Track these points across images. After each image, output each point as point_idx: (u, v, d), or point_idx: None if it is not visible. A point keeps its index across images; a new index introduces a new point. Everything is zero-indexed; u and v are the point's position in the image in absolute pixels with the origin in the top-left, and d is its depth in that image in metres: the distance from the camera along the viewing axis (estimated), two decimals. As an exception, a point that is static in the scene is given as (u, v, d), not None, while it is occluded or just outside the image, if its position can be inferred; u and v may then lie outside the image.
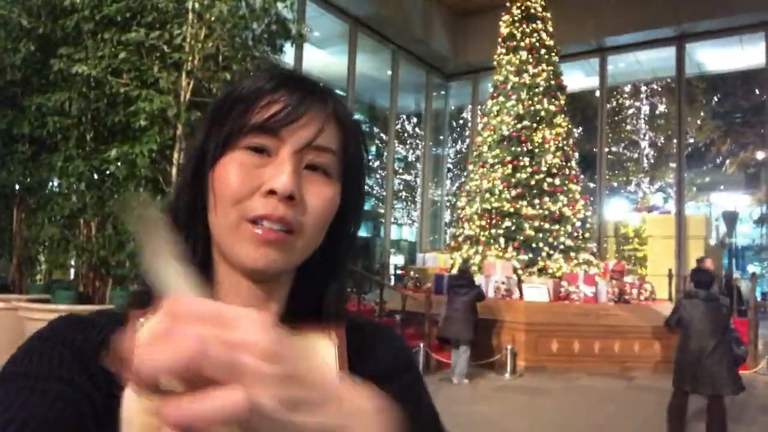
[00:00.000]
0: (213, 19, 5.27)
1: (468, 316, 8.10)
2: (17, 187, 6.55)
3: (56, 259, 6.30)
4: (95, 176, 5.71)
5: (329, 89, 0.70)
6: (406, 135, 23.94)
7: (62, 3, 5.57)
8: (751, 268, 24.20)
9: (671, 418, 5.52)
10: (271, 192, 0.61)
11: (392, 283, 14.87)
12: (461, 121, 23.92)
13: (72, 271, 6.68)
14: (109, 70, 5.29)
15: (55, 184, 6.30)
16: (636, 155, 24.91)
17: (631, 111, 24.78)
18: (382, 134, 20.16)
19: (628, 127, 24.73)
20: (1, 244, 6.72)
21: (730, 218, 20.75)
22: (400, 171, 24.47)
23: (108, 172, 5.54)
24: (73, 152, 5.61)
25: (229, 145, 0.64)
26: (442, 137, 20.13)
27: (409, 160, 24.47)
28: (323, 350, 0.63)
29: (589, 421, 6.11)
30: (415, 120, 22.92)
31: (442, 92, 19.12)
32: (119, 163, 5.18)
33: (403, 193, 24.98)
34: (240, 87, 0.67)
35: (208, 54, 5.34)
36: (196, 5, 5.21)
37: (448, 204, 20.10)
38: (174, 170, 5.33)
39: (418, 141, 22.08)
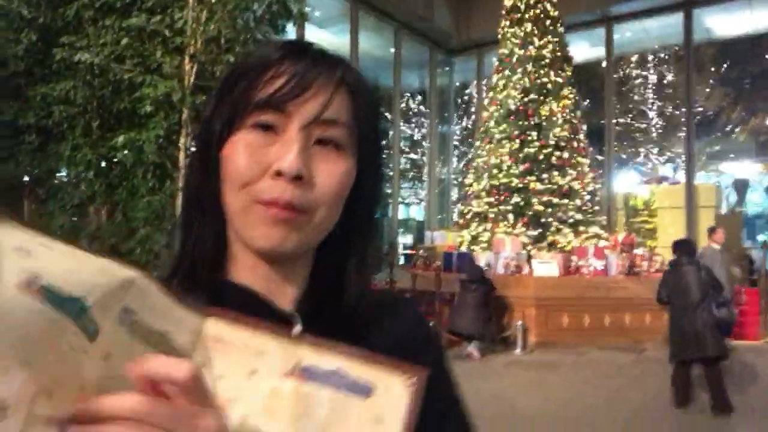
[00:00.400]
0: (214, 1, 5.23)
1: (478, 311, 8.14)
2: (26, 178, 6.60)
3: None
4: (103, 164, 5.74)
5: (338, 56, 0.67)
6: (411, 113, 23.80)
7: (62, -9, 5.54)
8: (762, 237, 24.06)
9: (676, 390, 5.60)
10: (279, 173, 0.59)
11: (401, 262, 14.92)
12: (466, 98, 23.71)
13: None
14: (112, 57, 5.28)
15: (63, 173, 6.33)
16: (644, 126, 24.66)
17: (638, 81, 24.47)
18: (386, 113, 20.07)
19: (636, 98, 24.44)
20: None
21: (741, 187, 20.58)
22: (407, 150, 24.37)
23: (116, 159, 5.56)
24: (80, 141, 5.63)
25: (236, 123, 0.62)
26: (447, 114, 20.01)
27: (415, 138, 24.36)
28: (392, 396, 0.54)
29: (600, 394, 6.14)
30: (420, 98, 22.75)
31: (447, 68, 18.94)
32: (126, 150, 5.19)
33: (410, 173, 24.92)
34: (246, 59, 0.66)
35: (210, 37, 5.32)
36: (196, -12, 5.17)
37: (455, 182, 20.05)
38: (181, 155, 5.34)
39: (423, 119, 21.97)
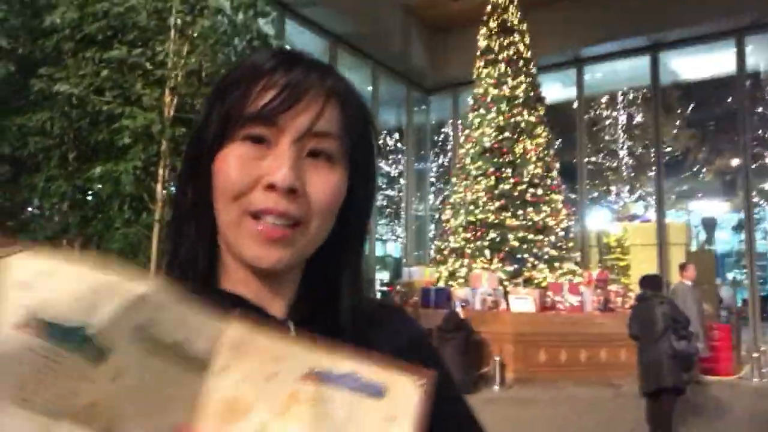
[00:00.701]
0: (195, 35, 5.28)
1: (458, 360, 8.10)
2: (-3, 209, 6.46)
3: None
4: (78, 196, 5.65)
5: (330, 67, 0.67)
6: (388, 150, 24.07)
7: (42, 24, 5.53)
8: (731, 275, 24.56)
9: (653, 427, 5.67)
10: (271, 186, 0.59)
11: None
12: (443, 136, 24.10)
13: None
14: (91, 89, 5.26)
15: (36, 205, 6.22)
16: (615, 165, 25.27)
17: (608, 121, 25.18)
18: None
19: (607, 137, 25.11)
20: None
21: (709, 225, 21.09)
22: (384, 186, 24.53)
23: (91, 191, 5.48)
24: (55, 172, 5.55)
25: (227, 135, 0.62)
26: (424, 152, 20.24)
27: (392, 175, 24.57)
28: (404, 396, 0.56)
29: (579, 430, 6.12)
30: (397, 135, 23.04)
31: (423, 107, 19.27)
32: (103, 182, 5.13)
33: (387, 209, 25.03)
34: (239, 66, 0.65)
35: (191, 70, 5.34)
36: (179, 21, 5.21)
37: (432, 219, 20.16)
38: (159, 187, 5.29)
39: (400, 156, 22.19)
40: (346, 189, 0.66)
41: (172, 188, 5.74)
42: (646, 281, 6.13)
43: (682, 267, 9.12)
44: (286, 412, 0.52)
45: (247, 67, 0.64)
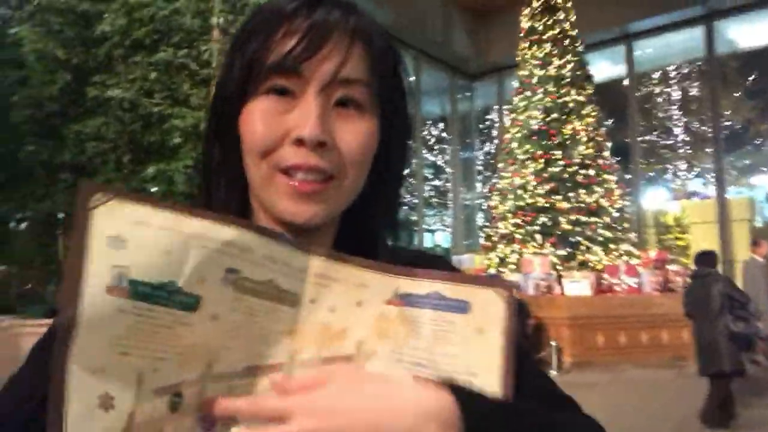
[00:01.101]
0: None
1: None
2: (61, 215, 6.79)
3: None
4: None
5: (352, 4, 0.62)
6: (433, 140, 23.94)
7: (94, 33, 5.78)
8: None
9: (712, 408, 5.49)
10: (300, 141, 0.56)
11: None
12: (488, 122, 23.79)
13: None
14: (141, 92, 5.47)
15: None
16: (670, 142, 24.35)
17: (662, 97, 24.27)
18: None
19: (660, 114, 24.21)
20: (49, 272, 6.96)
21: (775, 199, 20.05)
22: (430, 177, 24.44)
23: (147, 191, 5.69)
24: (112, 175, 5.80)
25: (250, 88, 0.59)
26: (469, 140, 20.06)
27: (438, 165, 24.43)
28: (489, 308, 0.58)
29: (641, 413, 5.96)
30: (441, 125, 22.89)
31: (467, 93, 19.08)
32: (157, 182, 5.33)
33: (434, 199, 24.92)
34: (260, 12, 0.62)
35: (235, 68, 5.47)
36: (221, 21, 5.34)
37: (480, 207, 19.97)
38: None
39: (445, 145, 22.05)
40: (379, 137, 0.63)
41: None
42: (701, 258, 5.91)
43: (754, 243, 8.70)
44: (378, 333, 0.55)
45: (267, 12, 0.61)
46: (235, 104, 0.61)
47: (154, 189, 5.55)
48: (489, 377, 0.56)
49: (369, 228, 0.67)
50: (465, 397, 0.50)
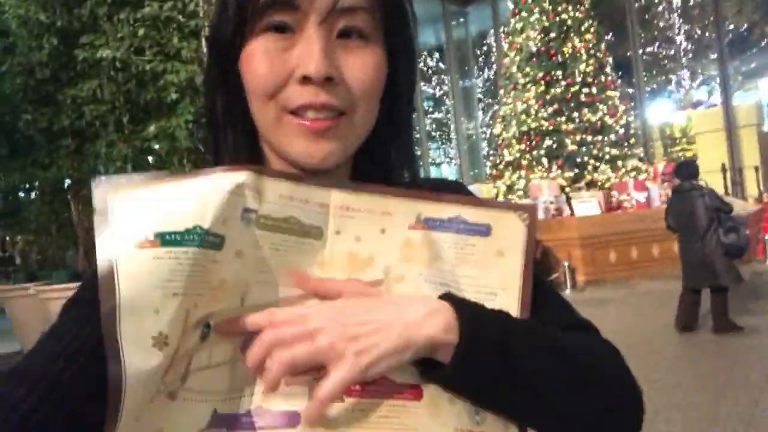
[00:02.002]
0: (221, -21, 5.24)
1: None
2: (68, 181, 6.81)
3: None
4: (140, 156, 5.88)
5: None
6: (430, 72, 23.48)
7: (75, -8, 5.62)
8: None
9: (680, 313, 5.55)
10: (306, 78, 0.54)
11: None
12: (485, 48, 23.23)
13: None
14: (131, 50, 5.36)
15: (103, 171, 6.52)
16: (673, 51, 23.75)
17: (662, 6, 23.48)
18: None
19: (661, 24, 23.51)
20: (66, 237, 7.05)
21: (783, 101, 19.73)
22: (430, 110, 24.12)
23: (150, 150, 5.68)
24: (113, 137, 5.77)
25: (247, 26, 0.56)
26: (467, 68, 19.68)
27: (437, 96, 24.07)
28: (509, 231, 0.59)
29: (657, 321, 6.10)
30: (437, 54, 22.39)
31: (461, 20, 18.56)
32: (159, 139, 5.30)
33: (437, 132, 24.70)
34: None
35: (223, 16, 5.34)
36: (204, -32, 5.18)
37: (483, 135, 19.80)
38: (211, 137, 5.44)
39: (443, 76, 21.65)
40: (387, 67, 0.60)
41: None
42: (682, 170, 5.65)
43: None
44: (404, 257, 0.57)
45: None
46: (233, 46, 0.58)
47: (156, 146, 5.52)
48: (508, 297, 0.58)
49: (385, 165, 0.65)
50: (460, 304, 0.53)
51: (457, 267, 0.57)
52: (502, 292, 0.58)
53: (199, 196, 0.51)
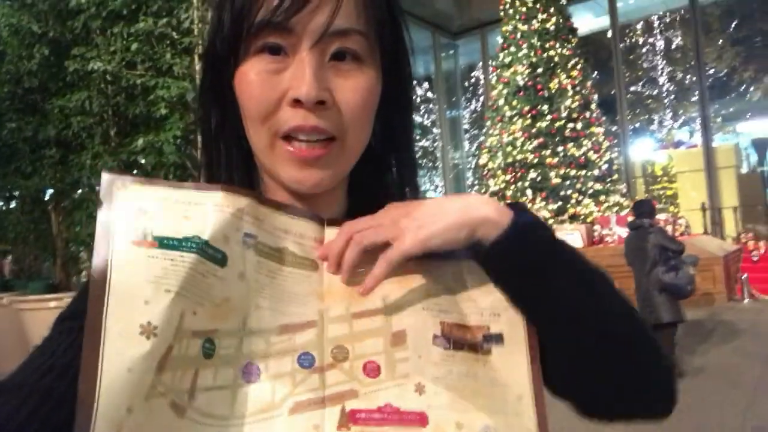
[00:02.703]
0: (218, -1, 5.28)
1: None
2: (50, 191, 6.73)
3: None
4: (125, 170, 5.84)
5: None
6: (419, 101, 23.76)
7: (68, 4, 5.63)
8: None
9: None
10: (298, 101, 0.54)
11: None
12: (473, 80, 23.60)
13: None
14: (123, 64, 5.36)
15: (87, 183, 6.45)
16: (656, 92, 24.35)
17: (646, 48, 24.15)
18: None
19: (645, 65, 24.13)
20: (44, 248, 6.93)
21: (761, 145, 20.23)
22: (417, 138, 24.29)
23: (137, 164, 5.64)
24: (99, 149, 5.73)
25: (241, 47, 0.56)
26: (455, 98, 19.93)
27: (425, 125, 24.30)
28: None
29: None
30: (426, 84, 22.69)
31: (451, 52, 18.88)
32: (146, 154, 5.27)
33: (423, 160, 24.87)
34: None
35: (217, 35, 5.36)
36: (200, -14, 5.22)
37: (469, 165, 19.98)
38: (200, 153, 5.42)
39: (431, 105, 21.90)
40: (380, 89, 0.59)
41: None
42: (637, 208, 5.74)
43: None
44: (401, 285, 0.57)
45: None
46: (227, 65, 0.58)
47: (143, 160, 5.49)
48: (512, 315, 0.57)
49: (384, 181, 0.66)
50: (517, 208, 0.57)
51: (459, 292, 0.58)
52: (506, 311, 0.57)
53: (202, 209, 0.52)
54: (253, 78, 0.55)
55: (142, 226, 0.49)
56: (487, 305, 0.57)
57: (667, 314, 5.19)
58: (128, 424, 0.45)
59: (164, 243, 0.49)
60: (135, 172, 5.78)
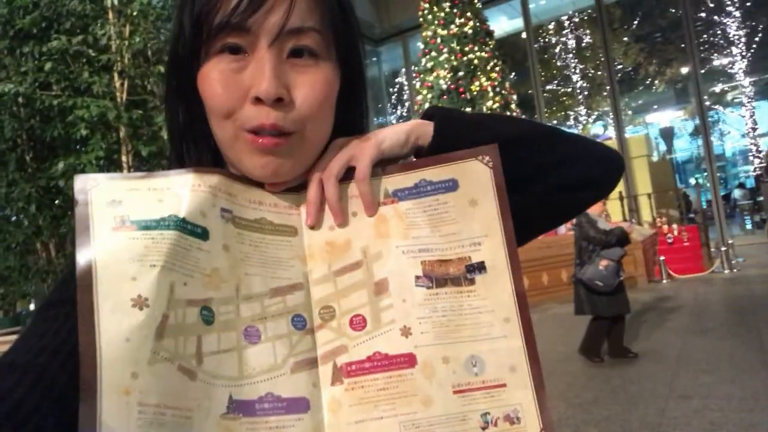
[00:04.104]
0: (134, 14, 5.14)
1: None
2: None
3: (19, 289, 6.12)
4: (45, 196, 5.56)
5: None
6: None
7: (-29, 25, 5.32)
8: (693, 180, 25.36)
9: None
10: (259, 99, 0.57)
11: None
12: (397, 86, 23.91)
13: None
14: (36, 85, 5.12)
15: (2, 213, 6.09)
16: (570, 89, 25.48)
17: (558, 47, 25.24)
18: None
19: (559, 63, 25.22)
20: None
21: (667, 135, 21.61)
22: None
23: (57, 190, 5.39)
24: (15, 176, 5.44)
25: (202, 48, 0.59)
26: (381, 105, 20.12)
27: (353, 132, 24.34)
28: (476, 178, 0.61)
29: (568, 343, 6.40)
30: (351, 92, 22.73)
31: (374, 59, 19.05)
32: (67, 178, 5.04)
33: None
34: None
35: (136, 51, 5.21)
36: (115, 2, 5.05)
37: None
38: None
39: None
40: (338, 82, 0.63)
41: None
42: None
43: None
44: (379, 234, 0.60)
45: None
46: (190, 67, 0.61)
47: (62, 184, 5.25)
48: (493, 241, 0.60)
49: None
50: (438, 112, 0.68)
51: (436, 228, 0.60)
52: (485, 238, 0.59)
53: (174, 191, 0.55)
54: (216, 77, 0.58)
55: (119, 215, 0.52)
56: (466, 236, 0.59)
57: (587, 308, 5.32)
58: (136, 387, 0.47)
59: (142, 225, 0.52)
60: (56, 201, 5.52)
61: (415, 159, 0.67)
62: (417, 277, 0.58)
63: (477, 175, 0.61)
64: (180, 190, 0.55)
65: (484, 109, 11.86)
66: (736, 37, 22.52)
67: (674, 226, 11.24)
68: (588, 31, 24.13)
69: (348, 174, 0.62)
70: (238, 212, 0.58)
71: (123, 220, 0.52)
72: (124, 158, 5.23)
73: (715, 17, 22.57)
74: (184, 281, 0.52)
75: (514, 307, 0.58)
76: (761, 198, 15.93)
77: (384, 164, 0.65)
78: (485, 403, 0.56)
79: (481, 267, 0.59)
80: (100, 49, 5.12)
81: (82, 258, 0.50)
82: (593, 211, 5.34)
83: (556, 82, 25.34)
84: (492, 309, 0.58)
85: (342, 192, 0.61)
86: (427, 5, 12.76)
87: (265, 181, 0.61)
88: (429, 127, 0.66)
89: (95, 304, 0.49)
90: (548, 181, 0.68)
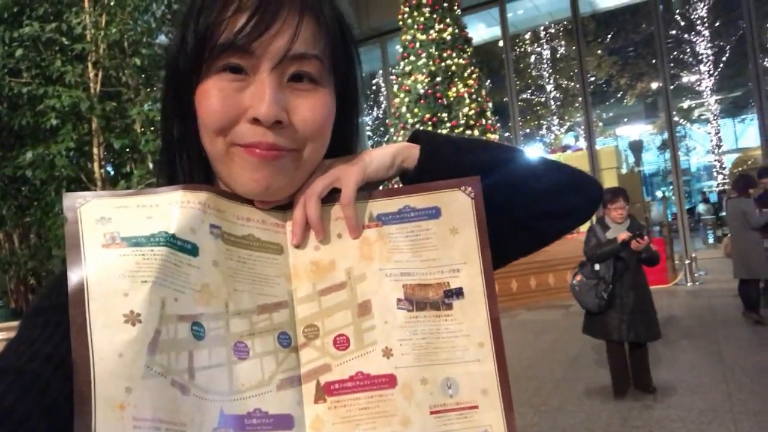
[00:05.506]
0: (111, 3, 5.03)
1: None
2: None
3: (-20, 280, 5.94)
4: (9, 185, 5.40)
5: None
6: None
7: (-63, 6, 5.14)
8: (659, 193, 25.99)
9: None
10: (256, 120, 0.57)
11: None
12: (374, 87, 23.94)
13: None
14: (5, 71, 4.97)
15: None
16: (543, 99, 25.87)
17: (534, 57, 25.60)
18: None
19: (534, 73, 25.58)
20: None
21: (636, 147, 22.09)
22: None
23: (24, 178, 5.24)
24: (-20, 164, 5.27)
25: (204, 65, 0.59)
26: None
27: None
28: (458, 207, 0.63)
29: (537, 348, 6.50)
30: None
31: (352, 60, 19.03)
32: (36, 168, 4.89)
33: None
34: None
35: (112, 41, 5.10)
36: (91, -10, 4.95)
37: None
38: (96, 166, 5.12)
39: (334, 112, 21.96)
40: (335, 106, 0.64)
41: (109, 167, 5.56)
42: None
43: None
44: (363, 256, 0.61)
45: None
46: (189, 81, 0.61)
47: (29, 174, 5.10)
48: (471, 269, 0.61)
49: None
50: (424, 136, 0.70)
51: (417, 253, 0.61)
52: (464, 265, 0.61)
53: (163, 208, 0.55)
54: (215, 94, 0.58)
55: (109, 232, 0.53)
56: (446, 262, 0.61)
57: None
58: (131, 401, 0.48)
59: (133, 242, 0.53)
60: (23, 189, 5.37)
61: (400, 180, 0.70)
62: (399, 300, 0.60)
63: (459, 205, 0.63)
64: (169, 207, 0.55)
65: (461, 115, 11.96)
66: (705, 55, 23.16)
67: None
68: (563, 43, 24.53)
69: (334, 195, 0.63)
70: (226, 228, 0.59)
71: (113, 237, 0.53)
72: (95, 150, 5.11)
73: (686, 35, 23.18)
74: (175, 297, 0.53)
75: (488, 332, 0.61)
76: (724, 213, 16.42)
77: (370, 186, 0.66)
78: (459, 424, 0.58)
79: (459, 292, 0.61)
80: (75, 38, 4.99)
81: (73, 274, 0.50)
82: (615, 217, 5.15)
83: (530, 91, 25.68)
84: (467, 333, 0.60)
85: (327, 213, 0.62)
86: (407, 9, 12.81)
87: (256, 197, 0.61)
88: (415, 150, 0.68)
89: (88, 320, 0.49)
90: (531, 208, 0.71)
